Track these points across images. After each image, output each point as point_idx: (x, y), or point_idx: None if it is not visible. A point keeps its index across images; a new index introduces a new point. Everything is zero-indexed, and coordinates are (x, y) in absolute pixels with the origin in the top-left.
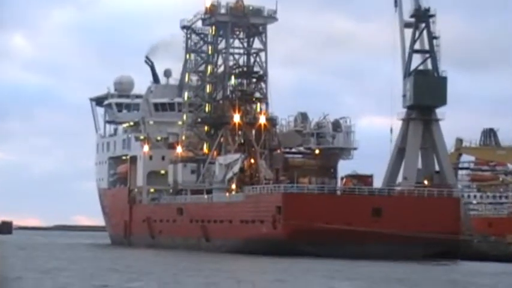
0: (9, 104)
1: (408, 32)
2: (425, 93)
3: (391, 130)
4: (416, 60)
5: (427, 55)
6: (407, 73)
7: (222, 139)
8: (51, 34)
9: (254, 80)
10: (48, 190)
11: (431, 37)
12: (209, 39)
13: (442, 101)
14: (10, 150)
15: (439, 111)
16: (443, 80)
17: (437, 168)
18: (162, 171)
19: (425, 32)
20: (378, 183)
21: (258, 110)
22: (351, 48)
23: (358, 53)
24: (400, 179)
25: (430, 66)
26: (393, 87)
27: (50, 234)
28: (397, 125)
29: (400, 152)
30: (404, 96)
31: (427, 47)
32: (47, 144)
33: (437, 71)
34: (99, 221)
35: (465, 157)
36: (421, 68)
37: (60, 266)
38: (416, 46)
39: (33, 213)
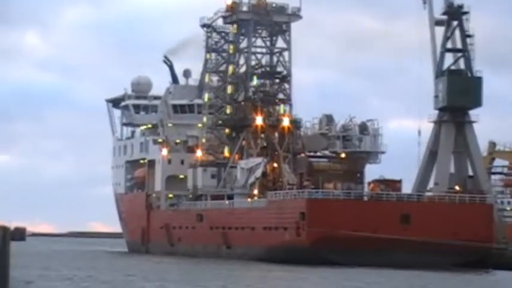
0: (20, 105)
1: (439, 30)
2: (460, 94)
3: (419, 133)
4: (448, 59)
5: (460, 54)
6: (439, 73)
7: (243, 142)
8: (65, 32)
9: (277, 80)
10: (62, 195)
11: (465, 35)
12: (230, 38)
13: (477, 102)
14: (21, 154)
15: (473, 113)
16: (478, 80)
17: (470, 172)
18: (181, 176)
19: (457, 30)
20: (406, 188)
21: (281, 111)
22: (378, 47)
23: (386, 52)
24: (431, 184)
25: (462, 66)
26: (422, 88)
27: (64, 241)
28: (426, 127)
29: (431, 156)
30: (436, 97)
31: (459, 45)
32: (61, 147)
33: (471, 71)
34: (116, 227)
35: (498, 161)
36: (452, 67)
37: (67, 275)
38: (448, 45)
39: (47, 219)
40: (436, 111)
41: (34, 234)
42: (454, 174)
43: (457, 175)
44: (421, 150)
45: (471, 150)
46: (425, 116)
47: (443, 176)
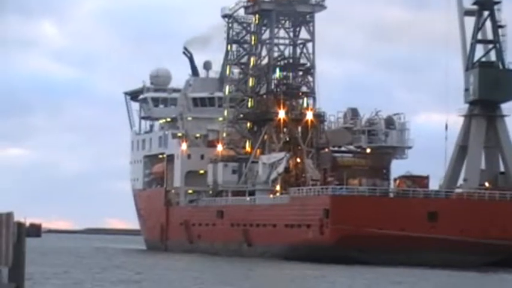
0: (36, 97)
1: (468, 20)
2: (492, 87)
3: (446, 127)
4: (478, 51)
5: (491, 46)
6: (469, 65)
7: (265, 137)
8: (83, 22)
9: (300, 72)
10: (78, 191)
11: (496, 26)
12: (252, 29)
13: (510, 95)
14: (36, 147)
15: (504, 107)
16: (511, 73)
17: (502, 169)
18: (201, 171)
19: (488, 21)
20: (434, 185)
21: (305, 105)
22: (405, 38)
23: (414, 43)
24: (461, 180)
25: (493, 58)
26: (450, 81)
27: (80, 238)
28: (455, 121)
29: (461, 151)
30: (466, 90)
31: (490, 36)
32: (77, 141)
33: (503, 63)
34: (134, 224)
35: None
36: (483, 60)
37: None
38: (478, 36)
39: (63, 215)
40: (466, 105)
41: (50, 231)
42: (485, 171)
43: (488, 171)
44: (447, 145)
45: (503, 145)
46: (453, 110)
47: (473, 172)
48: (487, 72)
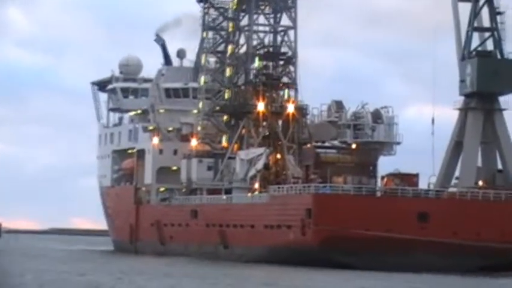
0: None
1: (463, 6)
2: (491, 78)
3: (433, 121)
4: (474, 40)
5: (488, 34)
6: (466, 55)
7: (243, 131)
8: (50, 8)
9: (281, 62)
10: (43, 188)
11: (495, 13)
12: (230, 15)
13: (510, 87)
14: None
15: (503, 100)
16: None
17: (500, 166)
18: (174, 168)
19: (486, 7)
20: (424, 183)
21: (286, 97)
22: (396, 26)
23: (405, 32)
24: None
25: (490, 47)
26: (439, 71)
27: (44, 238)
28: (451, 114)
29: (456, 147)
30: (462, 81)
31: (486, 24)
32: (42, 135)
33: (502, 53)
34: (101, 224)
35: None
36: (479, 49)
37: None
38: (474, 24)
39: (26, 214)
40: (461, 98)
41: (10, 231)
42: (482, 168)
43: (485, 169)
44: (435, 141)
45: (501, 141)
46: (445, 103)
47: (469, 169)
48: (485, 62)
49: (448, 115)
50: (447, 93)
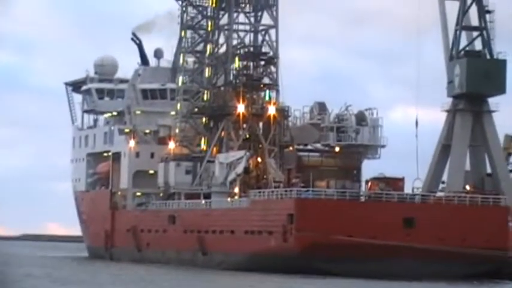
0: None
1: (450, 5)
2: (481, 79)
3: (417, 123)
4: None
5: (477, 33)
6: (455, 55)
7: (223, 133)
8: (22, 5)
9: (262, 62)
10: (14, 192)
11: (484, 11)
12: (209, 13)
13: (500, 88)
14: None
15: (492, 102)
16: (502, 64)
17: (489, 170)
18: (151, 171)
19: (474, 5)
20: (410, 188)
21: (267, 98)
22: (380, 25)
23: (389, 31)
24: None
25: (478, 47)
26: (424, 72)
27: (15, 245)
28: (428, 116)
29: (444, 151)
30: (450, 82)
31: (474, 23)
32: (13, 137)
33: (491, 52)
34: (76, 229)
35: None
36: (468, 49)
37: None
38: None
39: None
40: (449, 99)
41: None
42: (470, 172)
43: (473, 173)
44: (420, 144)
45: (490, 144)
46: (425, 104)
47: (457, 173)
48: (475, 62)
49: (434, 117)
50: (432, 94)
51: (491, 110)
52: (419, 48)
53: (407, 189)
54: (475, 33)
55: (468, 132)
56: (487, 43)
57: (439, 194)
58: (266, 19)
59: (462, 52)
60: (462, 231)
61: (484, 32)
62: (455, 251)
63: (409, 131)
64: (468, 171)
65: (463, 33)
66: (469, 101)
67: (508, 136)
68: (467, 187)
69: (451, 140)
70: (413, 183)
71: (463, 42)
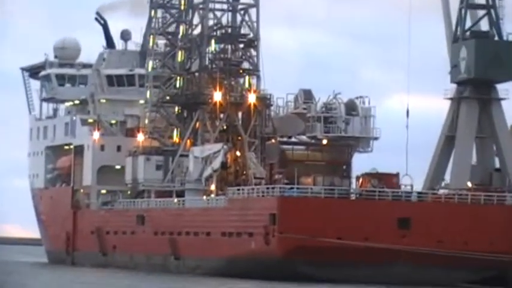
0: None
1: None
2: (491, 63)
3: (408, 113)
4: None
5: (483, 12)
6: (460, 36)
7: (197, 124)
8: None
9: (241, 45)
10: None
11: None
12: None
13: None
14: None
15: (501, 88)
16: None
17: (497, 164)
18: (118, 166)
19: None
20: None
21: (247, 85)
22: (373, 4)
23: (380, 9)
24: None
25: (484, 28)
26: (417, 55)
27: None
28: (441, 106)
29: (447, 143)
30: (454, 67)
31: (482, 0)
32: None
33: (500, 33)
34: (34, 231)
35: None
36: (473, 29)
37: None
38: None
39: None
40: (453, 85)
41: None
42: (477, 167)
43: (480, 168)
44: (413, 135)
45: (498, 135)
46: (416, 91)
47: (462, 168)
48: (485, 44)
49: (433, 105)
50: (429, 80)
51: (500, 98)
52: (411, 29)
53: (403, 186)
54: (480, 13)
55: (474, 123)
56: (495, 23)
57: (441, 191)
58: None
59: (468, 33)
60: (463, 233)
61: (492, 11)
62: (455, 255)
63: (405, 121)
64: (474, 166)
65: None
66: (476, 88)
67: None
68: (469, 184)
69: (456, 131)
70: (402, 180)
71: (468, 23)
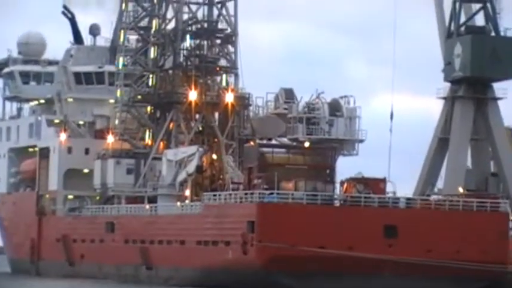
0: None
1: None
2: (489, 60)
3: (391, 115)
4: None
5: (479, 6)
6: (455, 31)
7: (171, 125)
8: None
9: (218, 41)
10: None
11: None
12: None
13: (510, 72)
14: None
15: (497, 87)
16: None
17: (493, 168)
18: (86, 170)
19: None
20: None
21: (224, 84)
22: None
23: (373, 1)
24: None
25: (479, 23)
26: (404, 50)
27: None
28: (411, 105)
29: (441, 146)
30: (448, 64)
31: None
32: None
33: (497, 29)
34: None
35: None
36: (468, 24)
37: None
38: None
39: None
40: (447, 84)
41: None
42: (472, 171)
43: (476, 172)
44: (398, 138)
45: (495, 137)
46: (405, 90)
47: (456, 172)
48: (482, 40)
49: (423, 105)
50: (417, 78)
51: (497, 97)
52: (396, 21)
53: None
54: (475, 7)
55: (470, 123)
56: (491, 18)
57: (433, 197)
58: None
59: (463, 28)
60: (454, 241)
61: (488, 5)
62: (445, 265)
63: (393, 122)
64: (469, 170)
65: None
66: (471, 86)
67: (508, 129)
68: (461, 189)
69: (449, 132)
70: (390, 187)
71: (462, 18)
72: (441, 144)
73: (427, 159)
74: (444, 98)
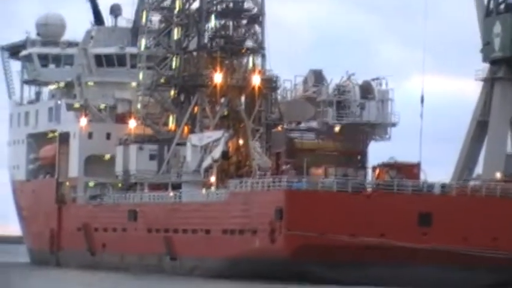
0: None
1: None
2: None
3: (422, 99)
4: None
5: None
6: (494, 9)
7: (196, 109)
8: None
9: (244, 21)
10: None
11: None
12: None
13: None
14: None
15: None
16: None
17: None
18: (107, 156)
19: None
20: (429, 176)
21: (250, 66)
22: None
23: None
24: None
25: None
26: (429, 29)
27: None
28: (472, 88)
29: (480, 129)
30: (487, 44)
31: None
32: None
33: None
34: (15, 229)
35: None
36: (509, 2)
37: None
38: None
39: None
40: (486, 65)
41: None
42: None
43: None
44: (433, 122)
45: None
46: (440, 71)
47: (495, 157)
48: None
49: (461, 87)
50: (452, 58)
51: None
52: (428, 2)
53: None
54: None
55: (510, 106)
56: None
57: (472, 183)
58: None
59: (502, 6)
60: (491, 229)
61: None
62: (482, 254)
63: (427, 104)
64: (510, 155)
65: None
66: (510, 68)
67: None
68: (498, 174)
69: (488, 115)
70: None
71: None
72: (480, 127)
73: (466, 143)
74: (483, 80)
